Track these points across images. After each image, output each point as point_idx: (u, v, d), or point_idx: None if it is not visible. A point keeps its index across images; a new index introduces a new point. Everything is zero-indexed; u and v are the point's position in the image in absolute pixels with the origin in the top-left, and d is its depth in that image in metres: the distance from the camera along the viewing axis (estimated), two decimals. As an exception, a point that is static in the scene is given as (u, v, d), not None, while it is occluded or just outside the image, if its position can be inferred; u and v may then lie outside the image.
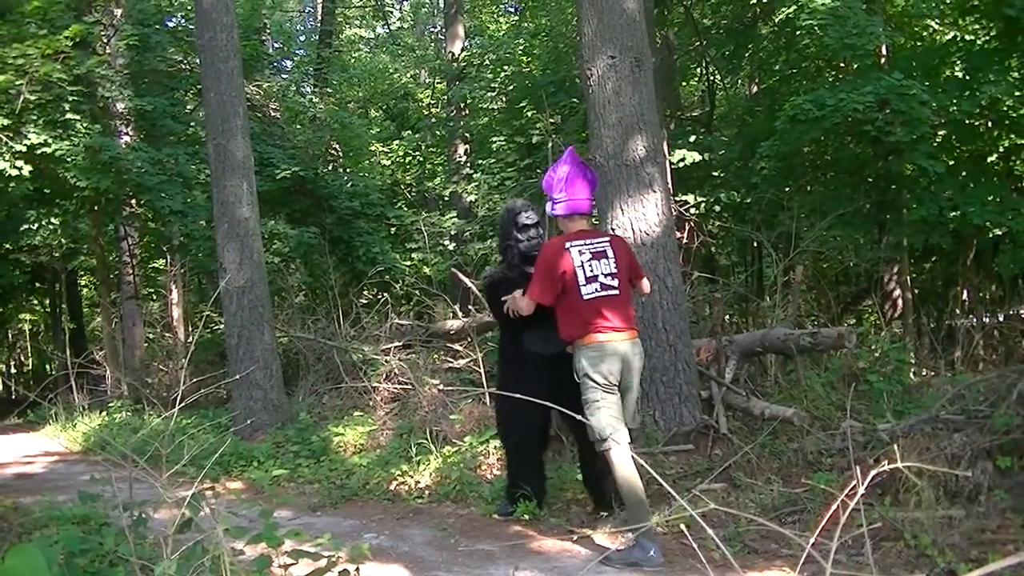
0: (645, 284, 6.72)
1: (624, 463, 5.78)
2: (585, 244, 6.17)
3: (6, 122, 13.95)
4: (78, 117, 14.89)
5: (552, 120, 15.88)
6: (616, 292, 6.10)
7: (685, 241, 11.95)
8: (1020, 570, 4.31)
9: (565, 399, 5.74)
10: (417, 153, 23.07)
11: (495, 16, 27.02)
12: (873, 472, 2.83)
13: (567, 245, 6.14)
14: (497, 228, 7.91)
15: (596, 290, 6.05)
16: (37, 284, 27.28)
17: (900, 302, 13.91)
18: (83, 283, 28.62)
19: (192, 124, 18.04)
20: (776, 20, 14.34)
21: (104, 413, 14.22)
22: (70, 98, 14.75)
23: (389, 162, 22.75)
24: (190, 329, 18.72)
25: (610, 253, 6.19)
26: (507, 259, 7.25)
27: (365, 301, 15.94)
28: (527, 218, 7.04)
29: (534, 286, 6.24)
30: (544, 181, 6.56)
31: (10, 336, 36.21)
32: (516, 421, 7.00)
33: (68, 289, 26.05)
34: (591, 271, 6.08)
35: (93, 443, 12.11)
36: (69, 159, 14.56)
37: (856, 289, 16.68)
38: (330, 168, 20.41)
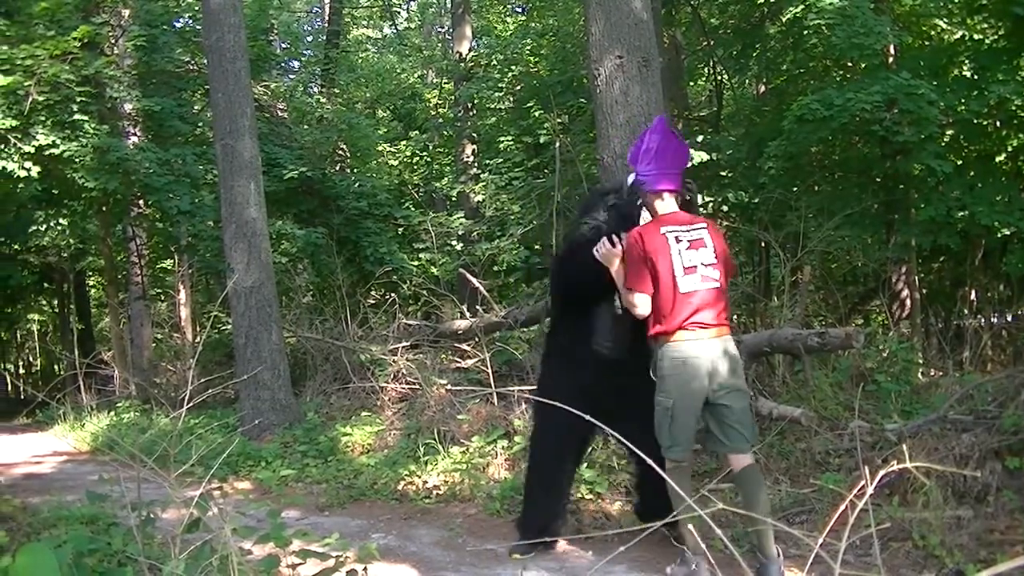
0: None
1: (675, 479, 4.97)
2: (682, 230, 5.49)
3: (14, 123, 13.96)
4: (86, 118, 14.89)
5: (559, 120, 15.85)
6: (716, 285, 5.42)
7: (693, 241, 11.92)
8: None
9: (623, 408, 5.50)
10: (424, 153, 23.07)
11: (502, 16, 26.99)
12: (881, 472, 2.83)
13: (662, 229, 5.48)
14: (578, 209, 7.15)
15: (696, 283, 5.36)
16: (45, 285, 27.36)
17: (908, 302, 13.87)
18: (91, 283, 28.71)
19: (200, 125, 18.06)
20: (784, 20, 14.29)
21: (112, 413, 14.25)
22: (78, 99, 14.76)
23: (396, 162, 22.74)
24: (198, 329, 18.76)
25: (708, 241, 5.48)
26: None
27: (373, 301, 15.93)
28: (601, 207, 6.11)
29: (634, 277, 5.48)
30: (629, 154, 5.97)
31: (19, 336, 36.33)
32: (557, 424, 5.80)
33: (76, 289, 26.14)
34: (690, 261, 5.39)
35: (101, 443, 12.14)
36: (77, 160, 14.58)
37: (864, 289, 16.64)
38: (337, 168, 20.44)
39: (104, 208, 17.69)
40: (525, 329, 11.93)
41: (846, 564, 2.46)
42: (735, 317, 12.43)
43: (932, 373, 10.11)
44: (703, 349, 5.33)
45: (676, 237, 5.44)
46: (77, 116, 14.78)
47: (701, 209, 13.21)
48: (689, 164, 5.90)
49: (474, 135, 20.71)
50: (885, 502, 5.88)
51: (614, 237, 5.73)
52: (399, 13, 33.67)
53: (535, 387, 6.98)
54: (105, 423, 13.68)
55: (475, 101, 20.45)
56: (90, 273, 26.89)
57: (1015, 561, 2.10)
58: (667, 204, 5.64)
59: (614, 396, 5.69)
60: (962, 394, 7.09)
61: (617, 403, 5.58)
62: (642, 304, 5.48)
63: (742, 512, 5.08)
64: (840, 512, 2.73)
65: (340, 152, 20.86)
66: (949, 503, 5.76)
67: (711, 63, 19.39)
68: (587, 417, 3.66)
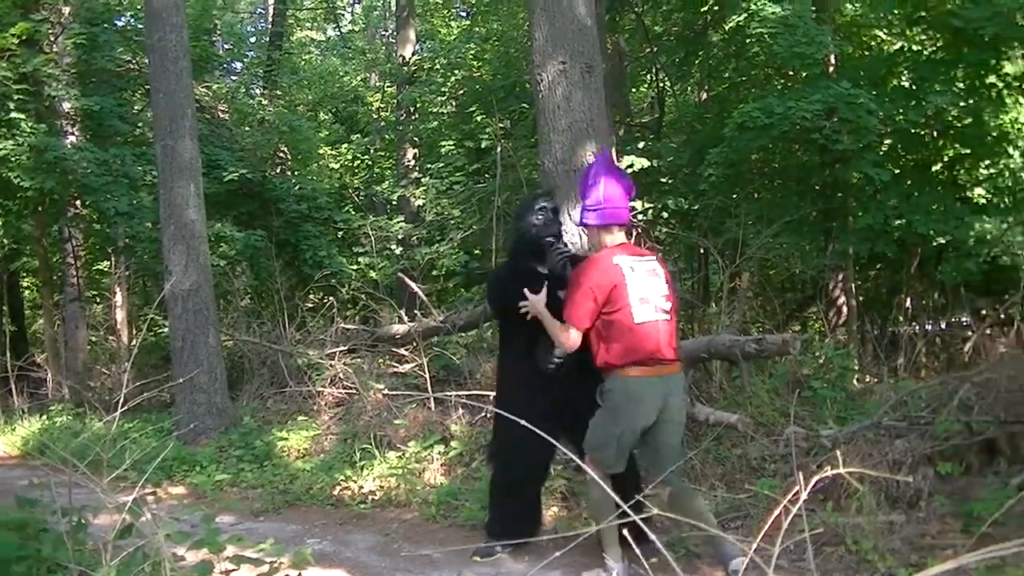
0: None
1: (598, 486, 5.09)
2: (636, 260, 5.49)
3: (-51, 120, 13.76)
4: (23, 116, 14.65)
5: (502, 125, 15.88)
6: (667, 318, 5.44)
7: (633, 247, 11.97)
8: (959, 575, 4.36)
9: (579, 419, 5.58)
10: (366, 157, 22.94)
11: (447, 20, 27.00)
12: (816, 478, 2.84)
13: (614, 259, 5.44)
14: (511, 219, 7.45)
15: (651, 313, 5.36)
16: (-23, 286, 26.89)
17: (845, 309, 14.01)
18: (25, 284, 28.22)
19: (139, 125, 17.84)
20: (726, 28, 14.43)
21: (44, 417, 14.00)
22: (15, 97, 14.52)
23: (337, 165, 22.65)
24: (134, 332, 18.49)
25: (660, 272, 5.53)
26: (513, 253, 6.58)
27: (311, 305, 15.86)
28: (544, 201, 6.25)
29: (574, 311, 5.43)
30: (579, 187, 5.99)
31: (-51, 338, 35.68)
32: (519, 448, 5.94)
33: (9, 291, 25.62)
34: (644, 292, 5.37)
35: (32, 447, 11.92)
36: (13, 159, 14.35)
37: (801, 296, 16.81)
38: (278, 171, 20.31)
39: (40, 208, 17.41)
40: (463, 334, 11.93)
41: (780, 569, 2.46)
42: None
43: (867, 379, 10.25)
44: (655, 388, 5.35)
45: (631, 267, 5.42)
46: (14, 114, 14.53)
47: (640, 216, 13.30)
48: (633, 194, 5.87)
49: (416, 139, 20.71)
50: (819, 507, 5.92)
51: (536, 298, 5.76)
52: (343, 15, 33.58)
53: (497, 397, 6.81)
54: (37, 427, 13.45)
55: (417, 105, 20.42)
56: (24, 274, 26.44)
57: (945, 565, 2.12)
58: (616, 237, 5.63)
59: (569, 411, 5.72)
60: (896, 400, 7.19)
61: (573, 418, 5.65)
62: (573, 338, 5.48)
63: (688, 521, 5.10)
64: (775, 517, 2.74)
65: (281, 154, 20.73)
66: (882, 508, 5.83)
67: (654, 70, 19.53)
68: (548, 437, 3.70)
